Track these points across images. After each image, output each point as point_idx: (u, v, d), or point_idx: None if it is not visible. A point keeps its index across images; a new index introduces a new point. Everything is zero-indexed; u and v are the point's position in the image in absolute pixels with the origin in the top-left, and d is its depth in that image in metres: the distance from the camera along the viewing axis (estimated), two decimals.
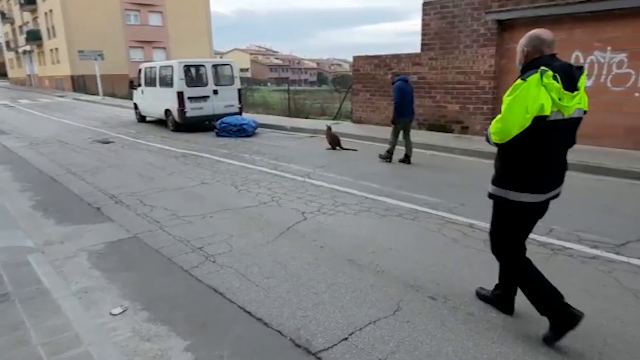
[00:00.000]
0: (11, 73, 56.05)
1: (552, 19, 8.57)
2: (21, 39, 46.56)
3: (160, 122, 14.07)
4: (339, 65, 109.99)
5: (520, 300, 2.88)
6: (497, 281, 3.11)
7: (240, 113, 12.96)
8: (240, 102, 13.11)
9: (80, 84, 32.78)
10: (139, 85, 14.35)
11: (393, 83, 7.92)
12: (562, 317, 2.59)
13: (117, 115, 17.81)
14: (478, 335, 2.82)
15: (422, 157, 8.69)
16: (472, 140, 9.53)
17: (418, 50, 10.89)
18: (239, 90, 13.12)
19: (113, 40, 34.96)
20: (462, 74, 10.12)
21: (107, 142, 10.82)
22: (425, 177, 7.05)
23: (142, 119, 14.99)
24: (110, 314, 3.10)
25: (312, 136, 11.34)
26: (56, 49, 37.85)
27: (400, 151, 8.13)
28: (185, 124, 12.27)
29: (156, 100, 13.24)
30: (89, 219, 5.17)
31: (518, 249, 2.80)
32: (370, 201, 5.72)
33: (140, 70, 14.27)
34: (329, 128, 9.62)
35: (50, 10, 37.36)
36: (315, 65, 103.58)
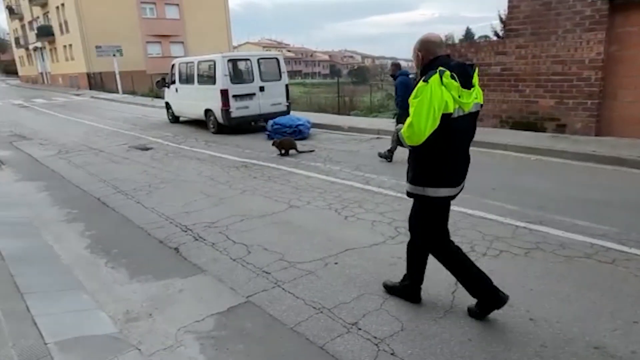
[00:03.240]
0: (22, 71, 54.50)
1: None
2: (31, 35, 44.86)
3: (196, 123, 12.74)
4: (352, 57, 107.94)
5: None
6: None
7: (288, 112, 11.56)
8: (287, 99, 11.72)
9: (97, 82, 31.50)
10: (172, 82, 13.00)
11: (394, 77, 7.15)
12: (489, 299, 2.80)
13: (144, 115, 16.50)
14: None
15: (527, 164, 7.25)
16: (577, 141, 8.05)
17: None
18: (287, 86, 11.71)
19: (129, 35, 33.40)
20: (559, 63, 8.62)
21: (146, 149, 9.51)
22: (555, 191, 5.61)
23: (175, 119, 13.63)
24: None
25: (378, 137, 9.92)
26: (70, 45, 36.32)
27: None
28: (230, 126, 10.92)
29: (194, 99, 11.87)
30: (171, 267, 3.85)
31: (440, 239, 2.87)
32: (527, 232, 4.33)
33: (173, 66, 12.91)
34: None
35: (62, 4, 35.79)
36: (327, 58, 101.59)
